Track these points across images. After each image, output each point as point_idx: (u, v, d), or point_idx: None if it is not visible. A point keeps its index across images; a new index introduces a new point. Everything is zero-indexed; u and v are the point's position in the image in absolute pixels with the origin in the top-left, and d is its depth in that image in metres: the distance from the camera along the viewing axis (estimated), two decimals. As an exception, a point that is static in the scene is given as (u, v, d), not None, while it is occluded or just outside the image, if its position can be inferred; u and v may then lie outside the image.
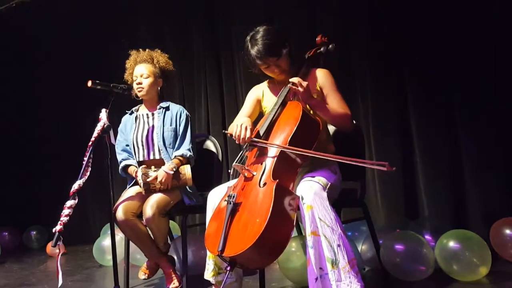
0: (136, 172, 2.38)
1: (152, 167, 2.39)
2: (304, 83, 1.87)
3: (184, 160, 2.45)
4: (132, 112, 2.62)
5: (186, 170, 2.39)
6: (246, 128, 1.89)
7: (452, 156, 2.99)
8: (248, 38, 2.06)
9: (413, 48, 3.10)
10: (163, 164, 2.42)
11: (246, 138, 1.87)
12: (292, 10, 3.58)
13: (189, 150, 2.47)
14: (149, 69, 2.52)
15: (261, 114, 2.25)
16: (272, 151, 1.82)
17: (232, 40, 3.90)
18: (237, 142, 1.90)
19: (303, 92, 1.87)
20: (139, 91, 2.51)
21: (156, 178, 2.32)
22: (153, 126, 2.52)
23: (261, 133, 1.90)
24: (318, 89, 2.06)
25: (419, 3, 3.06)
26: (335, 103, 2.00)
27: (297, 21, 3.51)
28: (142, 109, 2.62)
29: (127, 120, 2.62)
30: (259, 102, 2.25)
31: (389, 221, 3.15)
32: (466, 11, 2.91)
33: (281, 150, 1.79)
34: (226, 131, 2.05)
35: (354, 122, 2.19)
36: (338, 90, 2.05)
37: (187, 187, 2.45)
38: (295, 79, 1.89)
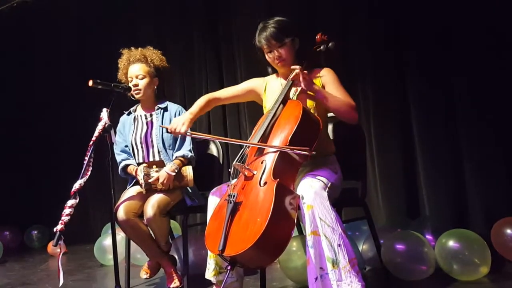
0: (137, 170, 2.37)
1: (154, 166, 2.39)
2: (305, 72, 1.90)
3: (185, 160, 2.45)
4: (130, 113, 2.62)
5: (188, 171, 2.39)
6: (183, 124, 2.05)
7: (453, 155, 2.99)
8: (261, 24, 2.10)
9: (414, 47, 3.10)
10: (163, 165, 2.42)
11: (180, 132, 2.04)
12: (293, 8, 3.57)
13: (190, 150, 2.46)
14: (143, 69, 2.50)
15: (260, 110, 2.26)
16: (273, 150, 1.81)
17: (233, 39, 3.90)
18: (171, 133, 2.08)
19: (304, 78, 1.88)
20: (136, 93, 2.49)
21: (157, 179, 2.32)
22: (151, 127, 2.52)
23: (262, 131, 1.90)
24: (320, 87, 2.06)
25: (421, 0, 3.06)
26: (339, 96, 2.01)
27: (298, 20, 3.50)
28: (140, 110, 2.61)
29: (125, 120, 2.61)
30: (253, 92, 2.26)
31: (390, 220, 3.14)
32: (467, 9, 2.90)
33: (281, 150, 1.79)
34: (161, 125, 2.32)
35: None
36: (341, 85, 2.06)
37: (188, 188, 2.45)
38: (297, 66, 1.91)
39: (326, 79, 2.07)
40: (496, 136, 2.86)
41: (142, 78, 2.49)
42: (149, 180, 2.32)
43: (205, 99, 2.24)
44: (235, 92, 2.29)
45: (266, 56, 2.11)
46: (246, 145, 1.96)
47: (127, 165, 2.49)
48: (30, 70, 5.03)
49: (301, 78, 1.88)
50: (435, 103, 3.04)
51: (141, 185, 2.34)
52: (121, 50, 2.60)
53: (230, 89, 2.33)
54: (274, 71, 2.23)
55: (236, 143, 1.91)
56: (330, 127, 2.32)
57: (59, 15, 4.78)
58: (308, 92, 1.95)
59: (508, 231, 2.46)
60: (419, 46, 3.07)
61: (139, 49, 2.58)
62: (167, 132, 2.10)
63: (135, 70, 2.49)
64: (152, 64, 2.54)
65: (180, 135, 2.48)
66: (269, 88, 2.21)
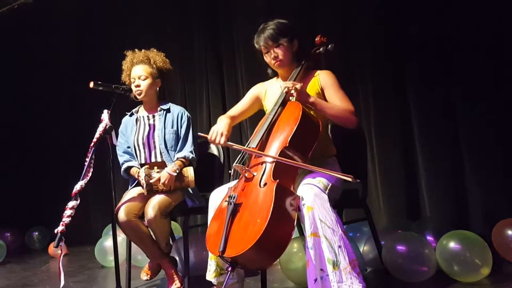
0: (139, 173, 2.38)
1: (155, 167, 2.39)
2: (298, 85, 1.89)
3: (187, 161, 2.45)
4: (132, 114, 2.62)
5: (189, 172, 2.39)
6: (221, 135, 1.96)
7: (453, 157, 2.99)
8: (262, 25, 2.11)
9: (415, 48, 3.10)
10: (165, 166, 2.42)
11: (219, 143, 1.95)
12: (293, 9, 3.58)
13: (191, 152, 2.47)
14: (146, 70, 2.51)
15: (260, 111, 2.26)
16: (273, 152, 1.82)
17: (233, 39, 3.91)
18: (212, 144, 1.97)
19: (298, 93, 1.88)
20: (138, 94, 2.50)
21: (159, 179, 2.32)
22: (154, 128, 2.52)
23: (261, 133, 1.90)
24: (319, 90, 2.06)
25: (420, 2, 3.06)
26: (338, 100, 2.01)
27: (298, 21, 3.51)
28: (142, 111, 2.61)
29: (127, 121, 2.62)
30: (258, 100, 2.26)
31: (391, 222, 3.15)
32: (468, 11, 2.91)
33: (281, 150, 1.79)
34: (200, 134, 2.07)
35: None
36: (341, 88, 2.06)
37: (189, 189, 2.46)
38: (288, 83, 1.91)
39: (325, 82, 2.07)
40: (496, 136, 2.86)
41: (144, 79, 2.50)
42: (150, 181, 2.32)
43: (229, 118, 2.15)
44: (243, 106, 2.27)
45: (264, 57, 2.12)
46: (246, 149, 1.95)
47: (129, 167, 2.49)
48: (31, 71, 5.05)
49: (294, 94, 1.88)
50: (435, 104, 3.05)
51: (143, 187, 2.34)
52: (125, 52, 2.61)
53: (238, 106, 2.29)
54: (274, 73, 2.23)
55: (284, 162, 1.77)
56: (330, 128, 2.32)
57: (59, 16, 4.79)
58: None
59: (509, 232, 2.46)
60: (420, 47, 3.08)
61: (143, 50, 2.60)
62: (209, 141, 2.00)
63: (138, 71, 2.51)
64: (155, 66, 2.55)
65: (182, 136, 2.50)
66: (269, 92, 2.22)
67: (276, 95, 2.07)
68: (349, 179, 1.69)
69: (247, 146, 1.90)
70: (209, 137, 1.99)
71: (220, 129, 2.00)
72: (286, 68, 2.11)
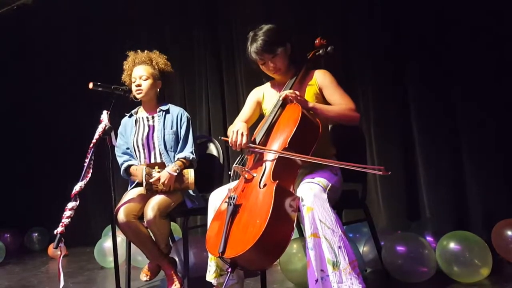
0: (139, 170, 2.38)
1: (156, 167, 2.39)
2: (297, 93, 1.89)
3: (187, 162, 2.45)
4: (131, 115, 2.62)
5: (190, 174, 2.39)
6: (242, 135, 1.89)
7: (453, 157, 2.99)
8: (251, 34, 2.08)
9: (414, 49, 3.10)
10: (165, 167, 2.42)
11: (242, 145, 1.88)
12: (292, 10, 3.58)
13: (191, 152, 2.47)
14: (148, 70, 2.51)
15: (261, 116, 2.26)
16: (272, 154, 1.82)
17: (233, 41, 3.91)
18: (233, 148, 1.91)
19: (297, 101, 1.88)
20: (138, 93, 2.50)
21: (159, 179, 2.32)
22: (153, 129, 2.52)
23: (261, 135, 1.90)
24: (317, 90, 2.06)
25: (421, 2, 3.06)
26: (337, 98, 2.01)
27: (297, 22, 3.52)
28: (142, 112, 2.61)
29: (126, 122, 2.62)
30: (259, 104, 2.26)
31: (391, 222, 3.14)
32: (466, 10, 2.91)
33: (281, 151, 1.79)
34: (222, 137, 2.02)
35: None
36: (339, 86, 2.06)
37: (189, 190, 2.46)
38: (287, 92, 1.90)
39: (322, 82, 2.07)
40: (496, 137, 2.86)
41: (145, 79, 2.50)
42: (150, 180, 2.32)
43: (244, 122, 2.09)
44: (248, 112, 2.25)
45: (261, 67, 2.10)
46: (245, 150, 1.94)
47: (129, 166, 2.49)
48: (30, 72, 5.04)
49: (294, 101, 1.88)
50: (435, 104, 3.04)
51: (143, 184, 2.34)
52: (128, 52, 2.62)
53: (243, 113, 2.26)
54: (269, 79, 2.23)
55: (307, 159, 1.75)
56: (330, 129, 2.31)
57: (59, 17, 4.79)
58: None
59: (509, 232, 2.46)
60: (420, 47, 3.07)
61: (146, 51, 2.61)
62: (230, 144, 1.91)
63: (139, 71, 2.51)
64: (156, 67, 2.56)
65: (183, 136, 2.50)
66: (266, 95, 2.22)
67: (274, 98, 2.07)
68: (379, 173, 1.63)
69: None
70: (229, 139, 1.92)
71: (239, 129, 1.91)
72: (284, 74, 2.11)
